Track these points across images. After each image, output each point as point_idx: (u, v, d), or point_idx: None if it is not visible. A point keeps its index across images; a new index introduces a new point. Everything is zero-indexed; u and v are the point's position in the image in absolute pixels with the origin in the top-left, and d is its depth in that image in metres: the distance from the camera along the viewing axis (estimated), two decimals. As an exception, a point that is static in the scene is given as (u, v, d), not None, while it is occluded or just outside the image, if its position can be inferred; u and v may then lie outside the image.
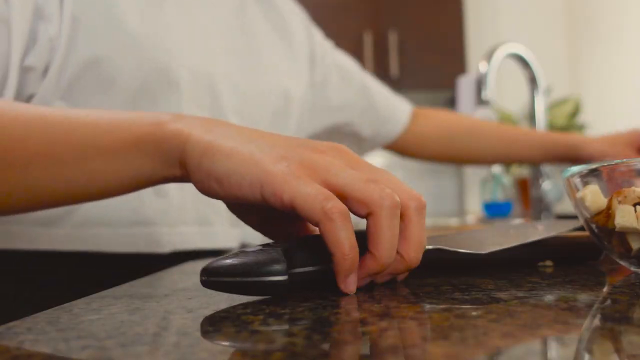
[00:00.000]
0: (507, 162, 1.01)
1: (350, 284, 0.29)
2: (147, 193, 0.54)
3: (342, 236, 0.28)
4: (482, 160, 0.98)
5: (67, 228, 0.52)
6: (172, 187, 0.56)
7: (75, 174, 0.35)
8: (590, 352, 0.20)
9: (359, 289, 0.31)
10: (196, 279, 0.39)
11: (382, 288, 0.32)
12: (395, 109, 0.91)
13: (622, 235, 0.32)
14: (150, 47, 0.53)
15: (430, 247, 0.35)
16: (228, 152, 0.31)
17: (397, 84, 2.29)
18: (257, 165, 0.30)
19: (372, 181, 0.29)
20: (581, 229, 0.38)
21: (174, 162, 0.33)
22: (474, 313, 0.25)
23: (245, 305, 0.28)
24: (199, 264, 0.47)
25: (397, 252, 0.30)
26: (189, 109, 0.57)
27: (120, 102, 0.53)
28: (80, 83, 0.51)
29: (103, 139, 0.35)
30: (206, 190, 0.32)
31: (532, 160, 0.99)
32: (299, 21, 0.81)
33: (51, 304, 0.30)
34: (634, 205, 0.31)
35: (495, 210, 1.54)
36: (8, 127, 0.35)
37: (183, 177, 0.34)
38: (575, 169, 0.34)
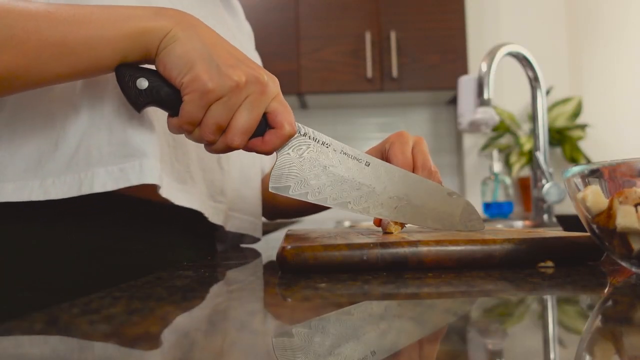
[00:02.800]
0: None
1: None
2: (133, 128, 0.53)
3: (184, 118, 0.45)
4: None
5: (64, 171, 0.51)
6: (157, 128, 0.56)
7: (82, 61, 0.44)
8: (591, 352, 0.19)
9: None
10: (195, 279, 0.39)
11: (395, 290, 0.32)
12: None
13: (623, 236, 0.32)
14: None
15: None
16: (176, 53, 0.43)
17: (397, 84, 2.29)
18: (190, 64, 0.43)
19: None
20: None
21: (153, 48, 0.44)
22: (474, 313, 0.25)
23: (242, 304, 0.28)
24: (197, 266, 0.47)
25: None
26: None
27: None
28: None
29: (109, 32, 0.44)
30: (159, 69, 0.45)
31: None
32: (250, 30, 0.83)
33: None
34: (635, 205, 0.31)
35: (495, 211, 1.54)
36: (20, 21, 0.42)
37: (153, 57, 0.45)
38: (576, 169, 0.34)
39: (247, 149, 0.47)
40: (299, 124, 0.48)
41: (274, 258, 0.47)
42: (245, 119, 0.45)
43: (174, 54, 0.43)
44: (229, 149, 0.46)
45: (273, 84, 0.46)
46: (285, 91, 2.59)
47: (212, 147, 0.46)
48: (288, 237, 0.48)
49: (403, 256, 0.38)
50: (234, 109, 0.44)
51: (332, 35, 2.31)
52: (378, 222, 0.54)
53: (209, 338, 0.23)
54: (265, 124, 0.46)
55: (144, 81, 0.45)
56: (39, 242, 0.51)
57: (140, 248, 0.56)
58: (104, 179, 0.49)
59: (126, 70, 0.45)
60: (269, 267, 0.45)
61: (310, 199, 0.48)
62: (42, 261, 0.51)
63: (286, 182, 0.47)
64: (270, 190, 0.48)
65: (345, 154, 0.49)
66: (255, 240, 0.75)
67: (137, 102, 0.45)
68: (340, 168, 0.49)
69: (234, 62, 0.44)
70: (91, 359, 0.20)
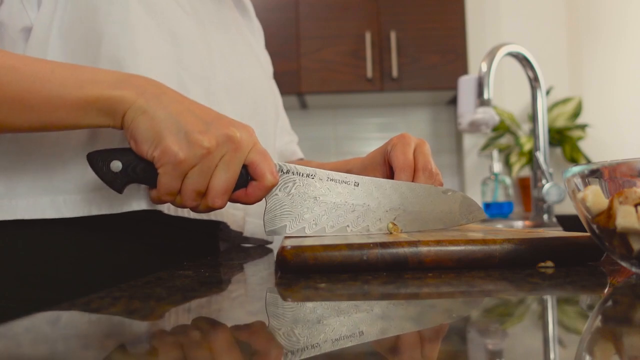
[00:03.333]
0: None
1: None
2: None
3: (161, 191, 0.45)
4: None
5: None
6: None
7: (40, 118, 0.44)
8: (591, 353, 0.19)
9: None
10: (195, 279, 0.39)
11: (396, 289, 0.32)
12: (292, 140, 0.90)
13: (623, 236, 0.32)
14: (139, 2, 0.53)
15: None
16: (144, 126, 0.43)
17: (397, 84, 2.29)
18: (159, 136, 0.43)
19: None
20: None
21: (118, 119, 0.45)
22: (474, 313, 0.25)
23: (242, 304, 0.28)
24: (196, 266, 0.47)
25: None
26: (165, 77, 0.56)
27: (103, 61, 0.52)
28: (70, 39, 0.51)
29: (69, 94, 0.44)
30: (129, 143, 0.45)
31: None
32: (259, 27, 0.83)
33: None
34: (635, 205, 0.31)
35: (495, 211, 1.54)
36: None
37: (121, 128, 0.45)
38: (576, 169, 0.34)
39: (232, 201, 0.48)
40: (280, 163, 0.49)
41: (274, 258, 0.47)
42: (222, 180, 0.45)
43: (142, 127, 0.44)
44: (211, 209, 0.47)
45: (247, 136, 0.46)
46: (285, 91, 2.60)
47: (196, 210, 0.47)
48: (288, 237, 0.48)
49: (403, 256, 0.38)
50: (209, 173, 0.45)
51: (332, 35, 2.31)
52: None
53: (209, 338, 0.23)
54: (246, 175, 0.47)
55: (117, 163, 0.45)
56: (39, 243, 0.51)
57: (142, 248, 0.56)
58: (114, 201, 0.50)
59: (97, 156, 0.45)
60: (269, 267, 0.45)
61: (309, 232, 0.48)
62: (42, 261, 0.51)
63: (281, 223, 0.48)
64: (266, 234, 0.48)
65: (332, 180, 0.49)
66: (267, 242, 0.74)
67: (115, 184, 0.45)
68: (331, 195, 0.49)
69: (202, 127, 0.44)
70: (91, 359, 0.20)
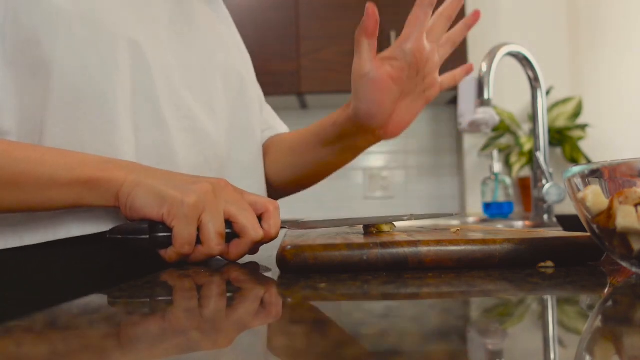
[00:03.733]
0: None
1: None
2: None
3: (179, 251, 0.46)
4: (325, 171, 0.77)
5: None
6: None
7: (32, 199, 0.47)
8: (591, 353, 0.19)
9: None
10: (195, 279, 0.39)
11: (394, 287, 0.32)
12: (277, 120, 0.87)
13: (624, 236, 0.32)
14: (83, 24, 0.52)
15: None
16: (142, 194, 0.46)
17: (397, 84, 2.29)
18: (162, 195, 0.46)
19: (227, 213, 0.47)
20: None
21: (111, 198, 0.47)
22: (474, 313, 0.25)
23: (242, 304, 0.28)
24: (196, 266, 0.47)
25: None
26: (132, 89, 0.55)
27: (57, 91, 0.51)
28: (16, 66, 0.50)
29: (59, 176, 0.46)
30: (129, 216, 0.47)
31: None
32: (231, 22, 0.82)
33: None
34: (636, 205, 0.31)
35: (496, 211, 1.54)
36: None
37: (114, 206, 0.48)
38: (577, 169, 0.34)
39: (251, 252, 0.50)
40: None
41: (274, 258, 0.47)
42: (243, 215, 0.47)
43: (141, 195, 0.46)
44: (252, 246, 0.48)
45: (227, 183, 0.49)
46: (285, 91, 2.59)
47: (231, 255, 0.48)
48: (288, 237, 0.48)
49: (403, 256, 0.38)
50: (221, 212, 0.46)
51: (332, 35, 2.31)
52: None
53: (209, 338, 0.23)
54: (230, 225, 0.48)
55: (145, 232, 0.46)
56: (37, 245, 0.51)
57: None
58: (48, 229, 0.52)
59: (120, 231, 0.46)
60: (269, 267, 0.45)
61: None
62: (42, 261, 0.51)
63: None
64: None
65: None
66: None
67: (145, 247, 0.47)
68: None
69: (193, 179, 0.48)
70: (91, 359, 0.20)
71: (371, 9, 0.58)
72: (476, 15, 0.65)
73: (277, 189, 0.81)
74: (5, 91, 0.50)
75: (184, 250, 0.46)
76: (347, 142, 0.68)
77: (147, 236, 0.46)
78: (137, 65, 0.56)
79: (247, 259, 0.54)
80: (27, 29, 0.50)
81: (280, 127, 0.85)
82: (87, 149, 0.52)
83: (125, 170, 0.48)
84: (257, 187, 0.73)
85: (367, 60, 0.59)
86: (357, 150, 0.70)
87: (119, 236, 0.46)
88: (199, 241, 0.47)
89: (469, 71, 0.67)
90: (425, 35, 0.60)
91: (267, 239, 0.49)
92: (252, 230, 0.47)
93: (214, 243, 0.46)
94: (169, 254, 0.47)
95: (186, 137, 0.60)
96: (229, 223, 0.47)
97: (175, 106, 0.60)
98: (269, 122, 0.85)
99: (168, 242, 0.47)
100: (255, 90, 0.78)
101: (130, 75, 0.55)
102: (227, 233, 0.47)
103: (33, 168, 0.46)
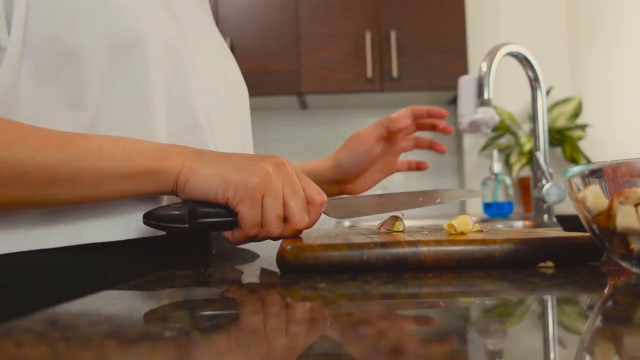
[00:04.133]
0: None
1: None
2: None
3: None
4: None
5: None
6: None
7: (91, 193, 0.46)
8: (591, 353, 0.19)
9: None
10: (195, 279, 0.39)
11: (406, 285, 0.32)
12: None
13: (623, 236, 0.32)
14: (118, 16, 0.51)
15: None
16: (204, 179, 0.46)
17: (397, 84, 2.29)
18: (224, 180, 0.46)
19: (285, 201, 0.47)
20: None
21: (169, 185, 0.47)
22: (474, 313, 0.25)
23: (242, 304, 0.28)
24: (196, 266, 0.47)
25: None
26: (159, 89, 0.54)
27: (91, 86, 0.50)
28: (44, 62, 0.49)
29: (119, 169, 0.46)
30: (187, 198, 0.47)
31: None
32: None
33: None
34: (635, 206, 0.31)
35: (496, 211, 1.54)
36: (36, 155, 0.43)
37: (172, 193, 0.48)
38: (577, 169, 0.34)
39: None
40: None
41: (274, 258, 0.47)
42: (297, 201, 0.47)
43: (201, 181, 0.46)
44: (299, 232, 0.49)
45: (288, 162, 0.49)
46: (285, 91, 2.59)
47: (282, 236, 0.48)
48: (288, 237, 0.48)
49: (403, 256, 0.38)
50: (281, 196, 0.47)
51: (332, 35, 2.31)
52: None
53: (209, 338, 0.23)
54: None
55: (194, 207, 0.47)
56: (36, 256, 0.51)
57: (140, 249, 0.56)
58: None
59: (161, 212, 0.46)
60: (269, 267, 0.45)
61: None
62: (42, 262, 0.51)
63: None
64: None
65: None
66: None
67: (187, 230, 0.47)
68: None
69: (251, 161, 0.48)
70: (91, 359, 0.20)
71: (403, 123, 0.75)
72: (441, 149, 0.82)
73: None
74: (24, 85, 0.48)
75: (251, 232, 0.47)
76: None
77: (187, 225, 0.46)
78: (175, 68, 0.56)
79: (248, 258, 0.54)
80: (52, 23, 0.49)
81: None
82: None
83: (183, 157, 0.47)
84: None
85: (375, 139, 0.76)
86: None
87: (153, 222, 0.46)
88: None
89: (421, 169, 0.83)
90: (408, 122, 0.77)
91: (304, 229, 0.50)
92: (299, 218, 0.47)
93: (274, 226, 0.47)
94: (235, 236, 0.47)
95: (211, 142, 0.60)
96: None
97: (205, 112, 0.60)
98: None
99: (209, 227, 0.47)
100: (244, 87, 0.79)
101: (168, 77, 0.55)
102: None
103: (92, 162, 0.45)
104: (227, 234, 0.48)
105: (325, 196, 0.50)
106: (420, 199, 0.59)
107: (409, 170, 0.83)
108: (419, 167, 0.83)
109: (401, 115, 0.77)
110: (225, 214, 0.47)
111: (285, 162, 0.49)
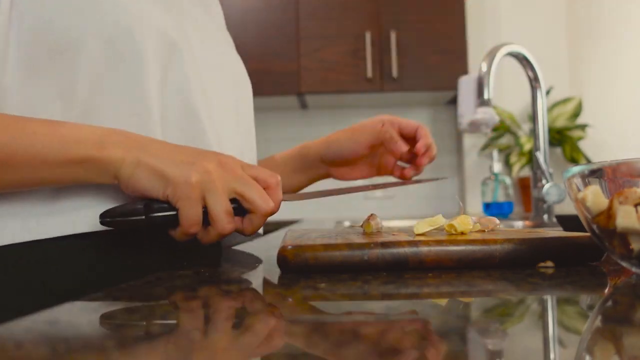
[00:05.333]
0: None
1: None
2: None
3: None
4: None
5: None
6: None
7: (22, 179, 0.45)
8: (591, 353, 0.19)
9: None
10: (195, 279, 0.39)
11: (406, 286, 0.32)
12: None
13: (623, 236, 0.32)
14: (109, 8, 0.51)
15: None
16: (146, 174, 0.45)
17: (397, 84, 2.29)
18: (164, 176, 0.45)
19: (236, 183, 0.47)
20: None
21: (110, 177, 0.46)
22: (474, 313, 0.25)
23: (242, 304, 0.28)
24: (196, 266, 0.47)
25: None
26: (153, 81, 0.54)
27: (82, 79, 0.50)
28: (33, 54, 0.49)
29: (54, 155, 0.45)
30: (131, 194, 0.47)
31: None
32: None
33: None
34: (635, 206, 0.31)
35: (496, 211, 1.54)
36: None
37: (113, 184, 0.47)
38: (577, 169, 0.34)
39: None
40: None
41: (274, 258, 0.47)
42: (252, 190, 0.47)
43: (143, 176, 0.45)
44: (260, 225, 0.48)
45: (232, 158, 0.49)
46: (285, 91, 2.59)
47: (246, 231, 0.48)
48: (288, 237, 0.48)
49: (403, 256, 0.38)
50: (226, 190, 0.46)
51: (332, 35, 2.31)
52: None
53: (209, 338, 0.23)
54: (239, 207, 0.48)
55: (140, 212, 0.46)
56: (38, 244, 0.51)
57: (140, 248, 0.56)
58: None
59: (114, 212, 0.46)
60: (269, 267, 0.45)
61: None
62: (42, 262, 0.51)
63: None
64: None
65: None
66: (257, 235, 0.75)
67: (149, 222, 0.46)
68: None
69: (194, 157, 0.47)
70: (91, 359, 0.20)
71: (399, 148, 0.74)
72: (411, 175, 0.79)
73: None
74: (13, 77, 0.48)
75: (191, 230, 0.46)
76: (308, 171, 0.82)
77: (143, 217, 0.45)
78: (170, 60, 0.55)
79: (248, 258, 0.54)
80: (42, 16, 0.48)
81: None
82: None
83: (123, 148, 0.46)
84: None
85: (368, 147, 0.76)
86: (316, 179, 0.83)
87: (109, 219, 0.46)
88: (208, 222, 0.47)
89: (417, 173, 0.80)
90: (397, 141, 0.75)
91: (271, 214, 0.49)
92: (263, 203, 0.47)
93: (223, 222, 0.46)
94: (177, 234, 0.47)
95: (212, 135, 0.59)
96: (235, 200, 0.47)
97: (207, 104, 0.59)
98: None
99: (165, 222, 0.46)
100: (248, 84, 0.78)
101: (162, 68, 0.54)
102: (235, 209, 0.47)
103: (24, 149, 0.44)
104: (172, 231, 0.47)
105: (278, 176, 0.49)
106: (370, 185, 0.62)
107: (401, 179, 0.79)
108: (404, 176, 0.80)
109: (409, 130, 0.75)
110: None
111: (228, 157, 0.48)
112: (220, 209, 0.46)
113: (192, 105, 0.57)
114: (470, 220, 0.48)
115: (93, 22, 0.50)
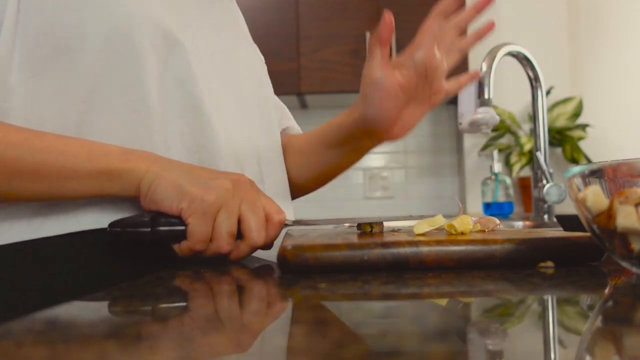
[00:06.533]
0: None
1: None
2: None
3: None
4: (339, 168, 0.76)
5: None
6: None
7: (53, 189, 0.46)
8: (591, 353, 0.19)
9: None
10: (195, 279, 0.39)
11: (409, 286, 0.32)
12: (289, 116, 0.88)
13: (624, 236, 0.32)
14: (108, 4, 0.51)
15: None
16: (164, 185, 0.46)
17: (398, 84, 2.29)
18: (181, 190, 0.46)
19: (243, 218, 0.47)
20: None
21: (132, 188, 0.47)
22: (474, 313, 0.25)
23: (242, 304, 0.28)
24: (196, 266, 0.47)
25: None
26: (153, 76, 0.53)
27: (82, 77, 0.50)
28: (37, 54, 0.49)
29: (82, 167, 0.46)
30: (146, 207, 0.47)
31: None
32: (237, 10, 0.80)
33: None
34: (636, 206, 0.31)
35: (496, 211, 1.54)
36: (5, 145, 0.45)
37: (134, 196, 0.48)
38: (577, 169, 0.34)
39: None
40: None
41: (274, 258, 0.47)
42: (255, 219, 0.47)
43: (161, 188, 0.46)
44: (253, 250, 0.48)
45: (250, 181, 0.49)
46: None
47: (236, 255, 0.48)
48: (288, 237, 0.48)
49: (404, 256, 0.38)
50: (236, 213, 0.47)
51: (332, 35, 2.31)
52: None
53: (209, 338, 0.23)
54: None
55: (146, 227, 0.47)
56: (37, 244, 0.51)
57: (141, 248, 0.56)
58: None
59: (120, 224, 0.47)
60: (269, 267, 0.45)
61: None
62: (42, 262, 0.51)
63: None
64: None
65: None
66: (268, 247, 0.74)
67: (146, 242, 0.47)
68: None
69: (214, 175, 0.48)
70: (91, 359, 0.20)
71: (387, 18, 0.60)
72: (490, 26, 0.64)
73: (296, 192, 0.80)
74: (19, 75, 0.49)
75: (197, 247, 0.46)
76: (351, 145, 0.70)
77: (149, 229, 0.46)
78: (171, 53, 0.55)
79: (248, 258, 0.54)
80: (44, 16, 0.49)
81: (293, 128, 0.86)
82: (114, 137, 0.51)
83: (148, 161, 0.48)
84: (281, 183, 0.72)
85: (378, 67, 0.60)
86: (361, 152, 0.71)
87: (118, 229, 0.46)
88: None
89: (475, 78, 0.68)
90: (435, 43, 0.61)
91: (262, 248, 0.49)
92: (256, 234, 0.47)
93: (224, 242, 0.46)
94: (181, 248, 0.47)
95: (219, 126, 0.59)
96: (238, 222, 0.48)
97: (208, 92, 0.59)
98: (283, 122, 0.84)
99: (169, 236, 0.47)
100: (270, 88, 0.78)
101: (162, 62, 0.54)
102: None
103: (55, 158, 0.46)
104: (176, 245, 0.47)
105: (284, 215, 0.50)
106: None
107: (460, 89, 0.64)
108: (473, 77, 0.66)
109: (433, 30, 0.61)
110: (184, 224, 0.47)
111: (247, 180, 0.49)
112: (225, 230, 0.46)
113: (196, 97, 0.56)
114: (471, 220, 0.48)
115: (92, 19, 0.50)
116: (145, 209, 0.47)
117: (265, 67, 0.76)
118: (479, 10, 0.62)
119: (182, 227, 0.46)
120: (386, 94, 0.60)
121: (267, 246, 0.50)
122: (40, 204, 0.50)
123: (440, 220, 0.48)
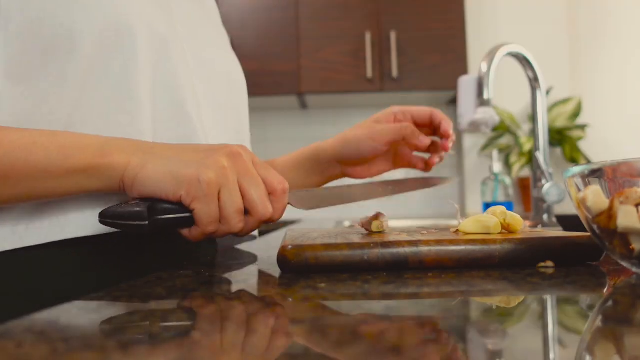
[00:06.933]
0: None
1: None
2: None
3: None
4: None
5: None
6: None
7: (27, 191, 0.44)
8: (591, 353, 0.19)
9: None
10: (195, 279, 0.39)
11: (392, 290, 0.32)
12: None
13: (624, 236, 0.32)
14: (100, 4, 0.50)
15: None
16: (153, 176, 0.43)
17: (397, 84, 2.29)
18: (175, 176, 0.44)
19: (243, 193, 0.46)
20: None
21: (114, 184, 0.45)
22: (474, 313, 0.25)
23: (242, 304, 0.28)
24: (196, 266, 0.47)
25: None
26: (144, 78, 0.53)
27: (71, 80, 0.49)
28: (24, 56, 0.48)
29: (55, 165, 0.43)
30: (137, 196, 0.45)
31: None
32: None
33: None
34: (636, 205, 0.31)
35: (495, 211, 1.54)
36: None
37: (119, 191, 0.45)
38: (577, 169, 0.34)
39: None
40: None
41: (274, 258, 0.47)
42: (258, 191, 0.46)
43: (150, 179, 0.43)
44: (262, 223, 0.47)
45: (244, 150, 0.47)
46: (285, 91, 2.59)
47: (245, 230, 0.47)
48: (288, 236, 0.48)
49: (404, 256, 0.38)
50: (237, 189, 0.45)
51: (332, 35, 2.31)
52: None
53: (209, 338, 0.23)
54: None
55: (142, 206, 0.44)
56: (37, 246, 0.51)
57: (140, 248, 0.56)
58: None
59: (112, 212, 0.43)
60: (269, 267, 0.45)
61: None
62: (42, 262, 0.51)
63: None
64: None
65: None
66: (252, 238, 0.75)
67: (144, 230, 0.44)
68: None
69: (205, 154, 0.45)
70: (91, 359, 0.20)
71: (423, 142, 0.71)
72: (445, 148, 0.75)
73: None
74: (5, 79, 0.47)
75: (209, 229, 0.45)
76: (320, 167, 0.78)
77: (147, 222, 0.43)
78: (161, 57, 0.55)
79: (249, 258, 0.54)
80: (34, 15, 0.48)
81: None
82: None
83: (127, 152, 0.45)
84: None
85: (387, 143, 0.71)
86: (326, 180, 0.80)
87: (109, 221, 0.43)
88: None
89: (441, 160, 0.77)
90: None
91: (270, 220, 0.48)
92: (262, 208, 0.45)
93: (234, 222, 0.45)
94: (193, 234, 0.46)
95: (200, 128, 0.59)
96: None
97: (196, 101, 0.58)
98: None
99: (168, 225, 0.44)
100: (244, 94, 0.78)
101: (152, 66, 0.53)
102: None
103: (24, 159, 0.43)
104: (185, 231, 0.46)
105: (287, 184, 0.47)
106: (390, 187, 0.58)
107: (424, 171, 0.76)
108: (429, 166, 0.76)
109: (423, 118, 0.73)
110: (187, 210, 0.44)
111: (241, 151, 0.46)
112: (232, 209, 0.44)
113: (182, 103, 0.56)
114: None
115: (83, 19, 0.49)
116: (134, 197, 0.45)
117: (244, 78, 0.76)
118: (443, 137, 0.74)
119: (187, 214, 0.44)
120: (373, 150, 0.71)
121: (276, 218, 0.48)
122: (23, 209, 0.48)
123: (491, 221, 0.44)
